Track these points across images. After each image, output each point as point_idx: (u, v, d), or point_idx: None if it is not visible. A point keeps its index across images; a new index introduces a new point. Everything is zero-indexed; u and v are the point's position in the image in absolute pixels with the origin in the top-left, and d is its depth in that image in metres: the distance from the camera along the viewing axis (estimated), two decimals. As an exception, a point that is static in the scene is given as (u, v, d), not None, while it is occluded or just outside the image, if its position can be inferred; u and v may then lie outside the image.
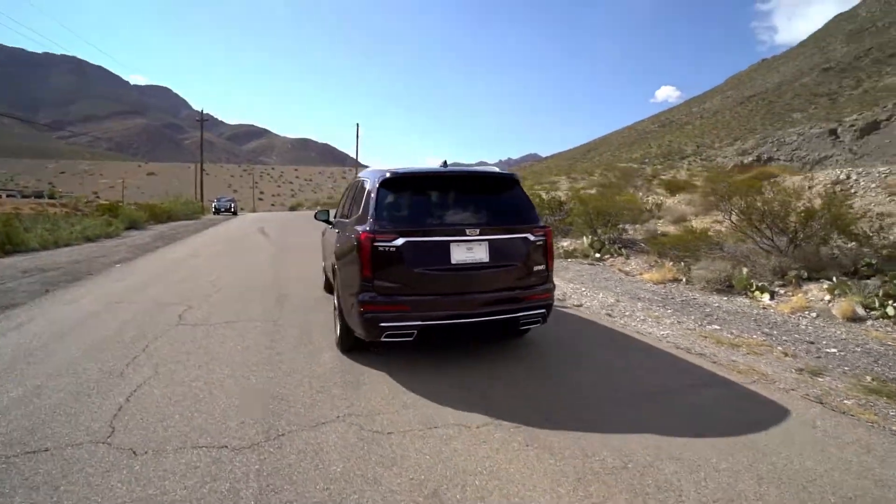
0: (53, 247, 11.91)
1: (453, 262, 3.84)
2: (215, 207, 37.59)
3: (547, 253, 4.28)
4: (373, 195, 4.06)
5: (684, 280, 7.86)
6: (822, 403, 3.39)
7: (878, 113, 72.04)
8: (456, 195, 4.27)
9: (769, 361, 4.36)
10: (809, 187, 9.83)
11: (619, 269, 9.26)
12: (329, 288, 6.95)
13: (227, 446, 2.70)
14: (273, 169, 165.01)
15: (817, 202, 6.89)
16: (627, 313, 6.17)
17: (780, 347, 4.76)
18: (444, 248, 3.85)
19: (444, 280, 3.85)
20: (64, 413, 3.12)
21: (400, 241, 3.75)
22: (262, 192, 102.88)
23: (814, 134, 76.72)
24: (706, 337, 5.11)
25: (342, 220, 5.29)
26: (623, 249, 10.26)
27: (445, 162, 4.53)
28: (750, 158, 74.49)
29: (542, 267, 4.23)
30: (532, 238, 4.15)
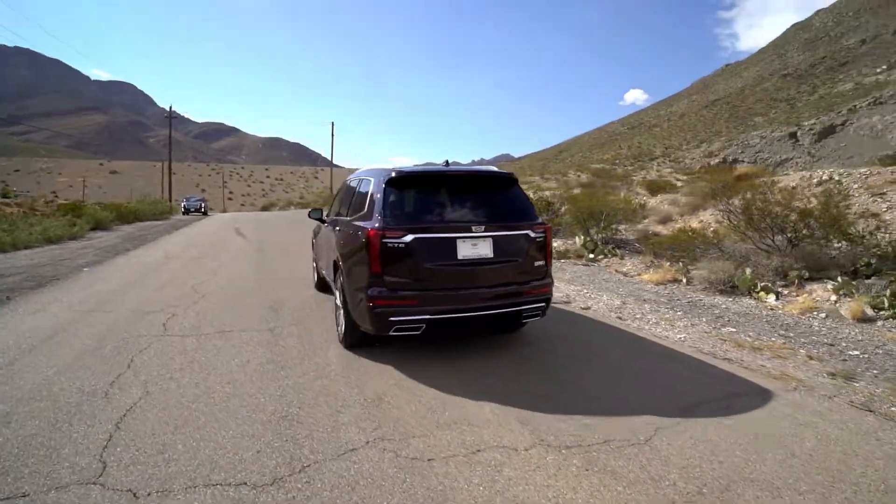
0: (11, 249, 11.00)
1: (460, 257, 3.94)
2: (185, 207, 36.29)
3: (546, 249, 4.42)
4: (378, 194, 4.12)
5: (684, 281, 7.77)
6: (871, 412, 3.24)
7: (833, 118, 75.58)
8: (458, 193, 4.34)
9: (797, 365, 4.23)
10: (793, 187, 9.95)
11: (616, 270, 9.14)
12: (322, 286, 6.85)
13: (246, 483, 2.33)
14: (243, 168, 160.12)
15: (814, 202, 6.89)
16: (638, 316, 6.00)
17: (802, 350, 4.64)
18: (451, 245, 3.93)
19: (450, 275, 3.95)
20: (42, 446, 2.67)
21: (409, 238, 3.82)
22: (231, 192, 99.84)
23: (775, 137, 79.87)
24: (724, 340, 4.97)
25: (340, 217, 5.31)
26: (617, 250, 10.16)
27: (447, 161, 4.56)
28: (716, 160, 76.92)
29: (541, 263, 4.37)
30: (532, 235, 4.29)
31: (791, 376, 3.91)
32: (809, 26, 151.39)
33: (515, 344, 4.69)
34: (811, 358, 4.44)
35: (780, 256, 7.30)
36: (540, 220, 4.51)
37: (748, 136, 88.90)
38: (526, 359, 4.27)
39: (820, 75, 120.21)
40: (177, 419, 2.98)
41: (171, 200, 37.18)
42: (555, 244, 11.52)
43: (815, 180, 10.74)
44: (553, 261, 9.75)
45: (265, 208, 52.75)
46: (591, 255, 10.06)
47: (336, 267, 4.82)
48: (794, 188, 7.40)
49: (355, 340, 4.35)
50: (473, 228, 3.99)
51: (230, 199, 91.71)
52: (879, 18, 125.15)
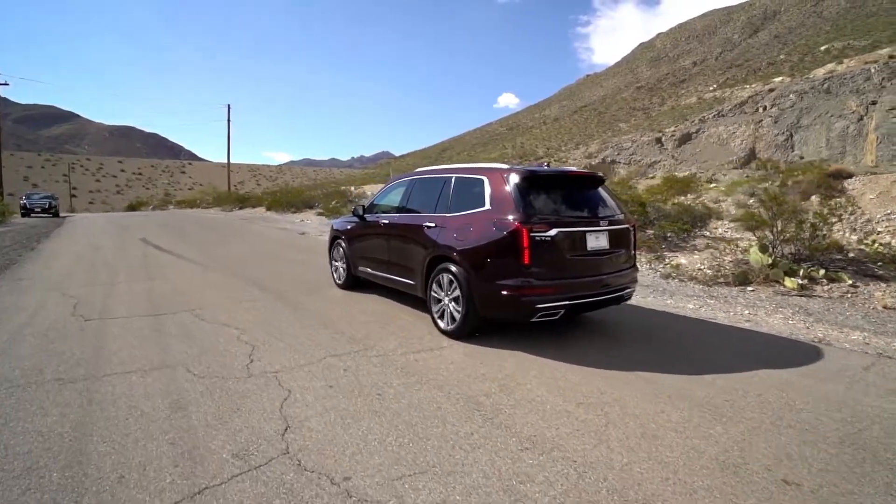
0: None
1: (588, 248, 4.67)
2: (25, 207, 27.46)
3: (635, 241, 5.22)
4: (508, 188, 4.61)
5: None
6: None
7: (689, 126, 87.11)
8: (572, 192, 4.92)
9: None
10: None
11: (885, 307, 6.64)
12: (350, 285, 6.94)
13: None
14: (89, 160, 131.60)
15: None
16: None
17: None
18: (583, 238, 4.65)
19: (582, 264, 4.68)
20: None
21: (554, 232, 4.43)
22: (75, 188, 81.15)
23: (645, 141, 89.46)
24: None
25: (425, 214, 5.44)
26: (840, 273, 7.64)
27: (549, 163, 5.47)
28: (597, 160, 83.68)
29: (633, 252, 5.21)
30: (630, 229, 5.11)
31: None
32: (653, 46, 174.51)
33: None
34: None
35: None
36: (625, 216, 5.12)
37: (621, 139, 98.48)
38: None
39: (666, 89, 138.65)
40: None
41: (2, 198, 27.47)
42: (681, 261, 9.27)
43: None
44: (739, 288, 7.19)
45: (133, 207, 43.23)
46: (799, 282, 7.33)
47: (436, 262, 5.01)
48: None
49: (470, 330, 4.75)
50: (600, 223, 4.73)
51: (74, 195, 74.28)
52: (704, 46, 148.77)
